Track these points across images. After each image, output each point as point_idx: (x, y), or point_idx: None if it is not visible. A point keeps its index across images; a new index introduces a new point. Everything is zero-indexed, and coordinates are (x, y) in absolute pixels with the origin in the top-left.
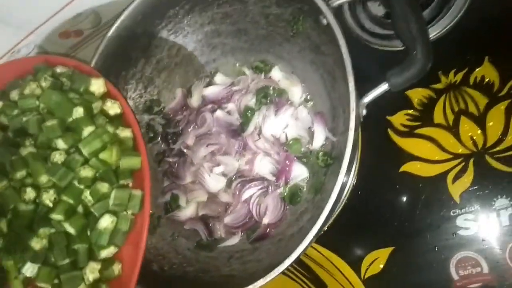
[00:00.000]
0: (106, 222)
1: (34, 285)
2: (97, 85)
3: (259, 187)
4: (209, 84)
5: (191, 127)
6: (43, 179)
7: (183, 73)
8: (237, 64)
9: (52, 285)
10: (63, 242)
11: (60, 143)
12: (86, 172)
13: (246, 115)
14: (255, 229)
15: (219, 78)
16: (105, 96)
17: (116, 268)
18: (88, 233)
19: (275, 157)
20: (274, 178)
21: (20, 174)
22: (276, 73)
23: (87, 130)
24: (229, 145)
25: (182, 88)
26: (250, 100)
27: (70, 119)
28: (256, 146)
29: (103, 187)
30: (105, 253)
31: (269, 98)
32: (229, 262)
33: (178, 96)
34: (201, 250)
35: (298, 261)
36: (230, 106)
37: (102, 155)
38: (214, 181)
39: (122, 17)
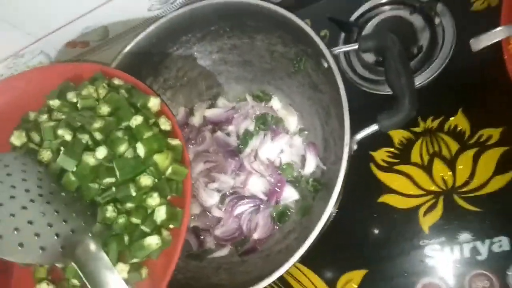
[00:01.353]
0: (153, 241)
1: (57, 274)
2: (154, 103)
3: (251, 204)
4: (211, 106)
5: (191, 144)
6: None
7: (187, 94)
8: (239, 91)
9: (79, 279)
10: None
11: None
12: (146, 180)
13: (245, 138)
14: (244, 243)
15: (221, 101)
16: (158, 114)
17: (144, 272)
18: (126, 239)
19: (268, 178)
20: (266, 198)
21: None
22: (276, 103)
23: (146, 135)
24: (226, 164)
25: (185, 107)
26: (249, 125)
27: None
28: (252, 167)
29: (154, 200)
30: (136, 260)
31: (267, 124)
32: (217, 272)
33: (181, 114)
34: (191, 260)
35: (279, 277)
36: (230, 128)
37: (157, 157)
38: (208, 196)
39: (138, 38)
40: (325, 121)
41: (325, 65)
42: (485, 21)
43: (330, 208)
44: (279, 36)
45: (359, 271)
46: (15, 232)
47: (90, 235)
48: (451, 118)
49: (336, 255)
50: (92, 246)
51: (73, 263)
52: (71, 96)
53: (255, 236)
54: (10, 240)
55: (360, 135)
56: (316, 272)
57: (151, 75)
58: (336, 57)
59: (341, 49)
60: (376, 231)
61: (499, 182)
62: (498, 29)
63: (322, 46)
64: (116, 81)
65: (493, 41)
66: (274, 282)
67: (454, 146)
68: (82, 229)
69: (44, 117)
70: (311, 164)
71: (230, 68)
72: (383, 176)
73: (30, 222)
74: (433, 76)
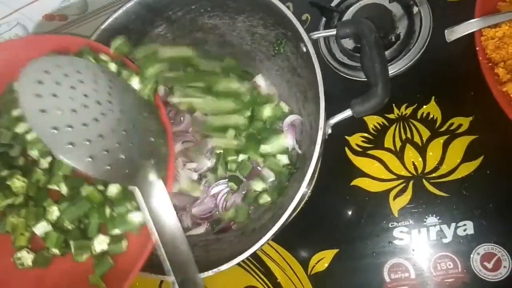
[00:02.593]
0: (137, 219)
1: (37, 243)
2: None
3: (227, 184)
4: None
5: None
6: None
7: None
8: None
9: (60, 249)
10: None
11: None
12: None
13: None
14: (220, 222)
15: None
16: None
17: (124, 244)
18: (107, 211)
19: None
20: (244, 179)
21: None
22: (260, 80)
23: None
24: (202, 145)
25: (164, 86)
26: None
27: None
28: None
29: None
30: (116, 231)
31: None
32: (193, 249)
33: (160, 93)
34: None
35: (254, 254)
36: None
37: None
38: (186, 175)
39: (116, 14)
40: (302, 105)
41: (304, 49)
42: (461, 11)
43: (302, 189)
44: (261, 18)
45: (330, 251)
46: (87, 142)
47: (152, 162)
48: (424, 106)
49: (309, 235)
50: (153, 174)
51: (132, 187)
52: None
53: (230, 213)
54: (82, 150)
55: (334, 120)
56: (290, 251)
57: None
58: (315, 42)
59: (319, 34)
60: (349, 213)
61: (466, 169)
62: (471, 21)
63: (301, 30)
64: (103, 57)
65: (467, 33)
66: (249, 260)
67: (426, 133)
68: (146, 154)
69: None
70: (289, 144)
71: (210, 48)
72: (357, 160)
73: (101, 136)
74: (409, 64)
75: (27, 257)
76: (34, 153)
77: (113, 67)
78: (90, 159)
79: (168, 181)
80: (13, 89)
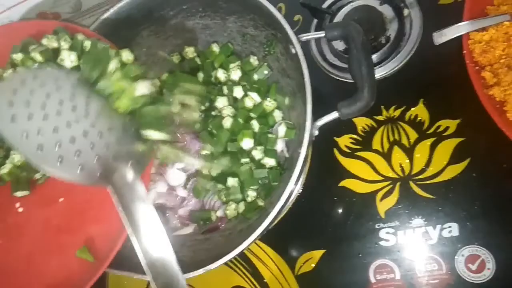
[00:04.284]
0: None
1: None
2: (127, 55)
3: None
4: None
5: None
6: None
7: (158, 71)
8: None
9: None
10: None
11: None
12: None
13: None
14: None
15: None
16: None
17: None
18: None
19: None
20: None
21: None
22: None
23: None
24: (191, 145)
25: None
26: None
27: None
28: None
29: None
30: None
31: None
32: (181, 249)
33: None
34: None
35: (242, 255)
36: None
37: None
38: (175, 175)
39: (107, 13)
40: (292, 106)
41: (293, 51)
42: (451, 15)
43: (289, 189)
44: (251, 19)
45: (317, 251)
46: (57, 146)
47: (129, 164)
48: (412, 108)
49: (297, 236)
50: (130, 175)
51: (109, 188)
52: (33, 49)
53: (218, 213)
54: (50, 152)
55: (321, 122)
56: (277, 251)
57: None
58: (306, 44)
59: (308, 36)
60: (336, 214)
61: (453, 171)
62: (459, 24)
63: (289, 32)
64: (80, 37)
65: (454, 36)
66: (237, 260)
67: (413, 135)
68: (123, 156)
69: (9, 71)
70: (278, 146)
71: (201, 49)
72: (345, 162)
73: (72, 139)
74: (398, 67)
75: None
76: None
77: (88, 44)
78: (59, 162)
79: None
80: None
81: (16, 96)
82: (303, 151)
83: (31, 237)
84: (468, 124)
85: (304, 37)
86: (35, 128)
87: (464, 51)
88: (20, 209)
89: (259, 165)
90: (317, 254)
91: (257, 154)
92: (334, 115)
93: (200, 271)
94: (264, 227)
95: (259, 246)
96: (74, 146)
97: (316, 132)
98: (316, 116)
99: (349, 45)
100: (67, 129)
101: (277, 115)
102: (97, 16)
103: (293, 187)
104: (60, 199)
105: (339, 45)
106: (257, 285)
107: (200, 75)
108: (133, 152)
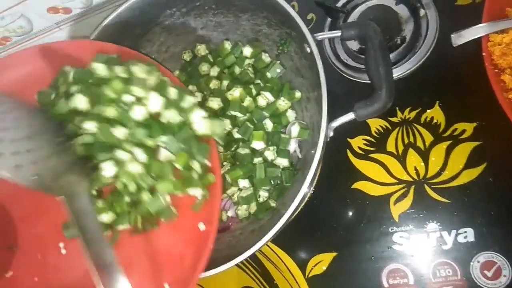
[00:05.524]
0: None
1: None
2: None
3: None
4: None
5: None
6: None
7: (170, 68)
8: None
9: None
10: None
11: None
12: None
13: None
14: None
15: None
16: None
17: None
18: None
19: None
20: None
21: None
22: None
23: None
24: None
25: None
26: None
27: None
28: None
29: None
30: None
31: None
32: None
33: None
34: None
35: (252, 255)
36: None
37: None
38: None
39: (120, 9)
40: (305, 106)
41: (308, 50)
42: (468, 16)
43: (303, 191)
44: (265, 17)
45: (329, 254)
46: (15, 155)
47: (77, 176)
48: (428, 111)
49: (308, 237)
50: (78, 187)
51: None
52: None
53: (230, 213)
54: (8, 160)
55: (336, 123)
56: (288, 252)
57: (132, 47)
58: (320, 42)
59: (324, 35)
60: (348, 216)
61: (469, 175)
62: (479, 25)
63: (305, 30)
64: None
65: (474, 37)
66: (247, 260)
67: (429, 138)
68: (74, 170)
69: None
70: (291, 148)
71: (214, 47)
72: (358, 163)
73: (29, 150)
74: (414, 68)
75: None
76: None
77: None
78: (16, 168)
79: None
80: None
81: None
82: (318, 152)
83: (67, 283)
84: (486, 128)
85: (320, 36)
86: None
87: (483, 53)
88: (63, 251)
89: (272, 165)
90: (329, 256)
91: (270, 154)
92: (350, 116)
93: (212, 271)
94: (277, 229)
95: (269, 247)
96: (30, 156)
97: (331, 133)
98: (329, 116)
99: (367, 45)
100: (26, 141)
101: (290, 115)
102: (109, 11)
103: (306, 190)
104: None
105: (353, 45)
106: (267, 286)
107: (216, 69)
108: (81, 168)
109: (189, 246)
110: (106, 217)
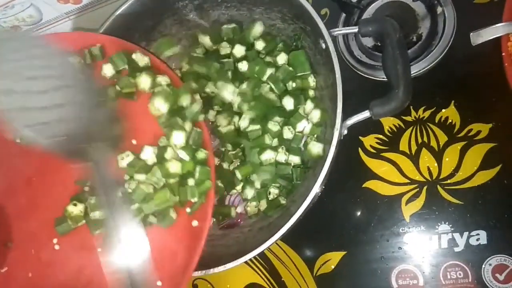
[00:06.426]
0: None
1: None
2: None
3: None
4: None
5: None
6: None
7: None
8: None
9: None
10: None
11: None
12: None
13: None
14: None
15: None
16: None
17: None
18: None
19: None
20: None
21: None
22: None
23: None
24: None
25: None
26: None
27: None
28: None
29: None
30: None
31: None
32: None
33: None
34: None
35: (260, 253)
36: None
37: None
38: None
39: (130, 1)
40: (317, 103)
41: (323, 45)
42: (487, 14)
43: (314, 191)
44: (279, 11)
45: (338, 253)
46: (42, 109)
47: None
48: (443, 110)
49: (317, 236)
50: (104, 153)
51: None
52: None
53: (239, 209)
54: (34, 114)
55: (351, 121)
56: (296, 250)
57: (144, 39)
58: (334, 38)
59: (340, 31)
60: (358, 215)
61: (483, 177)
62: (499, 25)
63: (321, 26)
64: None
65: (493, 37)
66: (254, 257)
67: (443, 138)
68: (102, 136)
69: None
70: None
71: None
72: (370, 162)
73: (59, 106)
74: (429, 66)
75: None
76: None
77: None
78: (43, 126)
79: None
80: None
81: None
82: (332, 151)
83: (60, 279)
84: (502, 129)
85: (336, 32)
86: (19, 88)
87: (503, 53)
88: (57, 247)
89: (283, 162)
90: (337, 255)
91: (281, 156)
92: (365, 114)
93: (221, 268)
94: (288, 227)
95: (277, 244)
96: (59, 111)
97: (345, 132)
98: (343, 114)
99: (385, 42)
100: (54, 93)
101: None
102: (120, 2)
103: (318, 190)
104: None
105: (368, 41)
106: (274, 283)
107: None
108: (109, 135)
109: (181, 243)
110: (99, 214)
